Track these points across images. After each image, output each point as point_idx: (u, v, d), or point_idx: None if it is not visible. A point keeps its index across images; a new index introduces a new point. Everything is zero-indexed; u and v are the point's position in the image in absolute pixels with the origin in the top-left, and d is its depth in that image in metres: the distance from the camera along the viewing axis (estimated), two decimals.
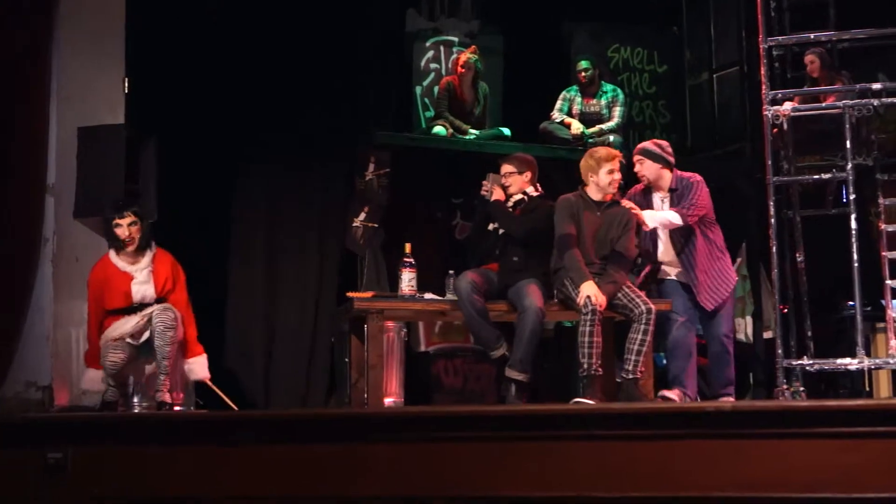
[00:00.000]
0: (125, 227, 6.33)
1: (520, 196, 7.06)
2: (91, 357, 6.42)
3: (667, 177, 7.38)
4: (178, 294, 6.49)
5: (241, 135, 8.57)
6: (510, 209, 7.01)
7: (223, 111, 8.45)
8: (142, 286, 6.39)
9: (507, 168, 7.07)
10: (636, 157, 7.48)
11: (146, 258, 6.43)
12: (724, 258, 7.43)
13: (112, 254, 6.42)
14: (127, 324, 6.32)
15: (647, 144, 7.63)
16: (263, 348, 8.53)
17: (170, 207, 7.24)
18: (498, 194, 7.05)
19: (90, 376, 6.42)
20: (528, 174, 7.09)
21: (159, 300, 6.39)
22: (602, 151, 7.11)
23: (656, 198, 7.40)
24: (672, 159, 7.50)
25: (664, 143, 7.63)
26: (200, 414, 6.12)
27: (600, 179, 6.94)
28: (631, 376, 6.57)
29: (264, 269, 8.60)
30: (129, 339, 6.29)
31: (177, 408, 6.41)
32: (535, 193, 7.10)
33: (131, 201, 6.54)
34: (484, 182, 7.17)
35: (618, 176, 6.98)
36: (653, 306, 6.64)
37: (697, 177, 7.46)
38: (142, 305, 6.38)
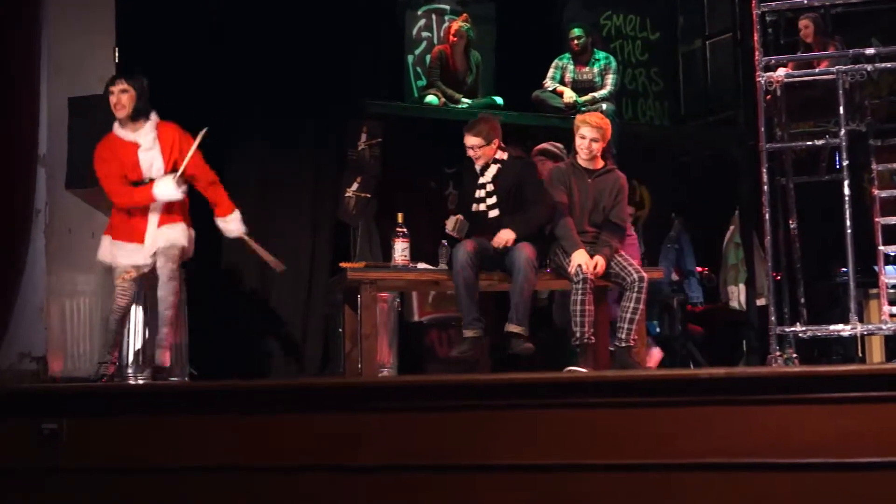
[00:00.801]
0: (116, 94, 6.26)
1: (495, 168, 6.87)
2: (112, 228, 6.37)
3: None
4: (193, 161, 6.39)
5: (231, 105, 8.53)
6: (491, 185, 6.85)
7: (213, 82, 8.42)
8: (148, 153, 6.29)
9: (474, 141, 6.82)
10: (536, 158, 7.56)
11: (148, 125, 6.33)
12: None
13: (116, 127, 6.33)
14: (136, 254, 6.28)
15: (545, 145, 7.74)
16: (257, 320, 8.53)
17: None
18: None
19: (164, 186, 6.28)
20: (496, 140, 6.86)
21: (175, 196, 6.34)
22: (580, 116, 7.08)
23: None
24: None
25: (559, 144, 7.79)
26: (196, 384, 6.12)
27: (576, 144, 6.92)
28: (624, 344, 6.58)
29: (259, 240, 8.58)
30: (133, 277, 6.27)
31: (172, 378, 6.41)
32: (504, 157, 6.89)
33: (126, 72, 6.50)
34: (447, 222, 6.96)
35: (588, 141, 6.83)
36: (645, 274, 6.64)
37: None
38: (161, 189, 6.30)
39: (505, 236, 6.61)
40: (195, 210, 6.55)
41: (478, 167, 6.86)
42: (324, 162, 9.00)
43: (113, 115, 6.31)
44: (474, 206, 6.89)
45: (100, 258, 6.35)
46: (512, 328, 6.58)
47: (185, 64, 8.21)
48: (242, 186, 8.64)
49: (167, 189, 6.25)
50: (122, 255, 6.28)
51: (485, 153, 6.83)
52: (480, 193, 6.86)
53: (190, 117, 8.12)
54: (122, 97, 6.25)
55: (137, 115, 6.29)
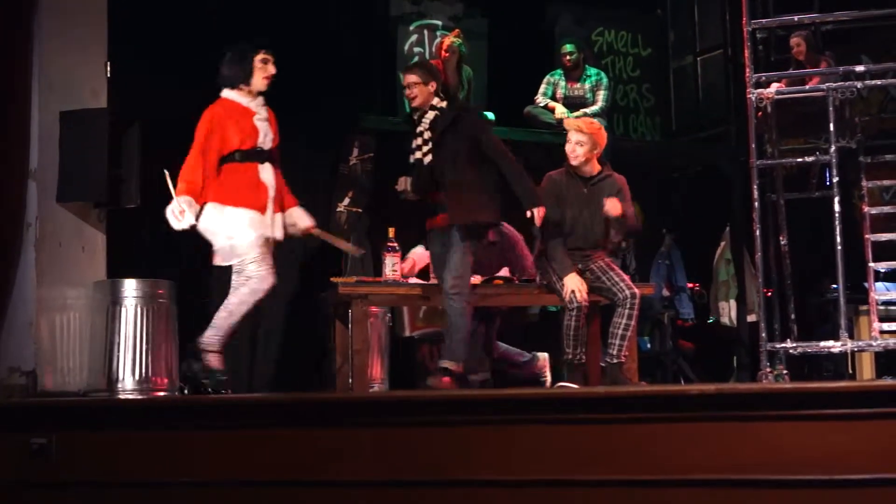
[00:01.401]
0: (267, 64, 6.32)
1: (432, 114, 6.64)
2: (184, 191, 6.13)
3: None
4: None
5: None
6: (428, 133, 6.62)
7: (206, 96, 8.42)
8: (263, 123, 6.29)
9: (410, 79, 6.65)
10: None
11: (260, 99, 6.34)
12: None
13: (227, 92, 6.28)
14: (262, 225, 6.15)
15: None
16: (247, 334, 8.50)
17: (152, 193, 7.20)
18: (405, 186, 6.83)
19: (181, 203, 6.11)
20: (433, 84, 6.66)
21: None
22: (567, 121, 7.12)
23: None
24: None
25: None
26: (184, 399, 6.11)
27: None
28: (615, 361, 6.58)
29: None
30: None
31: (160, 393, 6.40)
32: (442, 104, 6.68)
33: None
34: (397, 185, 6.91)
35: (573, 145, 6.82)
36: (637, 290, 6.64)
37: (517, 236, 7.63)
38: (263, 156, 6.24)
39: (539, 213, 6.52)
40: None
41: (416, 114, 6.70)
42: (316, 176, 8.99)
43: (105, 132, 6.32)
44: (412, 156, 6.75)
45: (241, 232, 6.10)
46: (443, 363, 6.46)
47: (177, 78, 8.21)
48: None
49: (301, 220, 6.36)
50: (255, 224, 6.13)
51: (421, 93, 6.62)
52: (417, 141, 6.70)
53: (183, 131, 8.16)
54: (270, 68, 6.30)
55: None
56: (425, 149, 6.63)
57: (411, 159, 6.73)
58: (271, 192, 6.22)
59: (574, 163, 6.84)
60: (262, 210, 6.16)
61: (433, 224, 6.65)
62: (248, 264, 6.11)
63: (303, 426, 4.53)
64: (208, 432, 4.60)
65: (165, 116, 7.89)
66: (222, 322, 6.12)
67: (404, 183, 6.77)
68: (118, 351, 6.49)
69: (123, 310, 6.50)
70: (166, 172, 6.24)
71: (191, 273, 7.75)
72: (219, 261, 6.22)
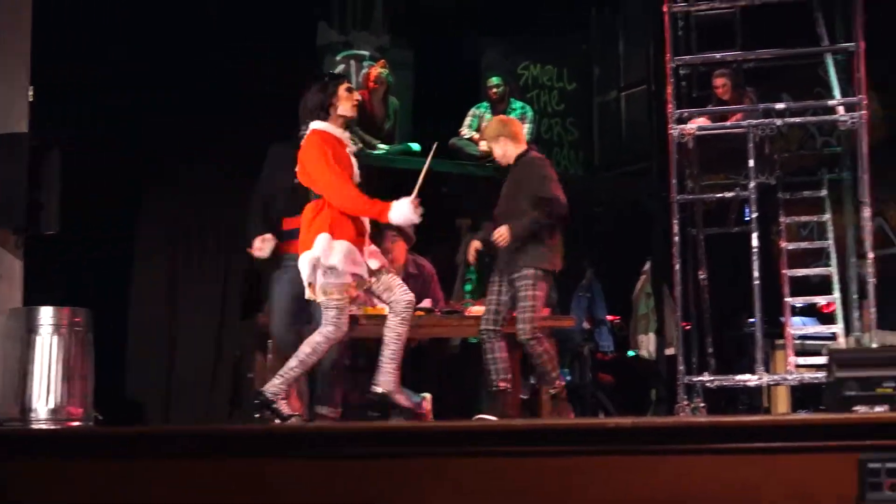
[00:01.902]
0: (352, 94, 6.13)
1: None
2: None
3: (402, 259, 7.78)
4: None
5: (146, 147, 8.47)
6: None
7: (129, 122, 8.36)
8: (352, 155, 6.13)
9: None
10: (389, 233, 7.65)
11: (347, 131, 6.21)
12: None
13: (318, 125, 6.03)
14: (358, 264, 5.88)
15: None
16: (166, 362, 8.42)
17: (72, 219, 7.11)
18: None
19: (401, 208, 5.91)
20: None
21: None
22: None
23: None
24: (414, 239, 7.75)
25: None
26: (101, 429, 6.02)
27: None
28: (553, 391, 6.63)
29: (167, 281, 8.51)
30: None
31: (75, 423, 6.29)
32: None
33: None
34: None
35: (498, 157, 6.93)
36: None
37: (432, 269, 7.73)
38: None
39: None
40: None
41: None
42: (238, 206, 8.92)
43: (25, 157, 6.23)
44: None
45: (332, 262, 5.79)
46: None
47: (99, 104, 8.14)
48: (154, 227, 8.59)
49: (405, 212, 5.94)
50: (355, 265, 5.89)
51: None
52: None
53: (103, 158, 8.09)
54: (355, 95, 6.16)
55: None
56: None
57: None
58: (367, 228, 6.08)
59: (505, 164, 6.92)
60: (361, 247, 5.96)
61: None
62: (332, 308, 5.87)
63: (222, 457, 4.47)
64: (125, 463, 4.53)
65: (88, 142, 7.84)
66: (291, 373, 5.86)
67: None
68: (32, 380, 6.37)
69: (39, 338, 6.39)
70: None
71: (109, 301, 7.67)
72: (310, 295, 5.95)
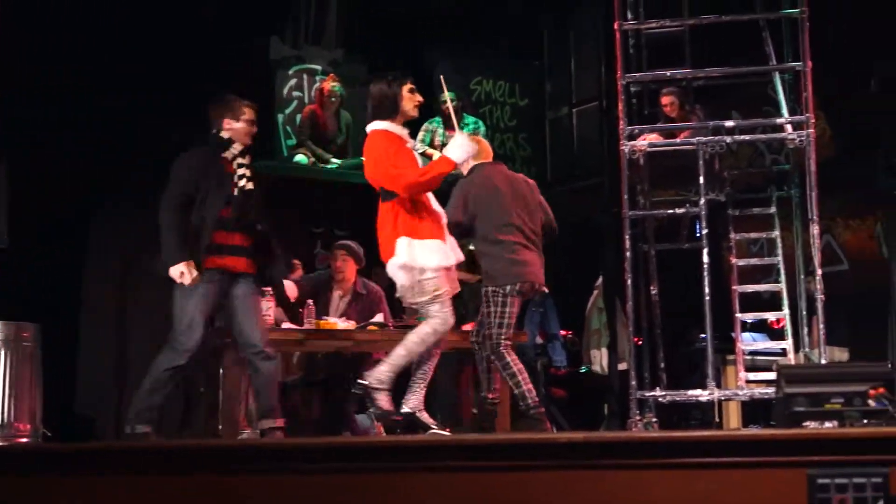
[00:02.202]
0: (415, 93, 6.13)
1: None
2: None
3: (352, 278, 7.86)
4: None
5: (97, 161, 8.41)
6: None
7: (79, 135, 8.30)
8: (415, 152, 6.16)
9: None
10: (341, 252, 7.77)
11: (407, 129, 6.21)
12: None
13: (380, 124, 6.03)
14: (446, 255, 5.95)
15: (352, 243, 7.94)
16: (115, 376, 8.35)
17: (21, 233, 7.06)
18: None
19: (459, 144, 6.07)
20: None
21: None
22: None
23: (335, 295, 7.77)
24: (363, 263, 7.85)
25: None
26: (48, 446, 5.95)
27: None
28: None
29: (118, 294, 8.44)
30: None
31: (22, 439, 6.23)
32: None
33: None
34: None
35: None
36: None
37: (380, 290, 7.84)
38: None
39: None
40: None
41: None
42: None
43: None
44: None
45: (420, 262, 5.84)
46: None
47: (50, 116, 8.08)
48: (105, 241, 8.52)
49: (463, 145, 6.07)
50: (442, 256, 5.93)
51: None
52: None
53: (54, 170, 8.03)
54: (417, 95, 6.14)
55: None
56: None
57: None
58: (444, 220, 6.10)
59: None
60: (444, 239, 6.00)
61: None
62: (434, 304, 5.88)
63: (171, 473, 4.43)
64: (71, 479, 4.48)
65: (39, 160, 7.78)
66: (399, 360, 5.88)
67: None
68: None
69: None
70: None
71: (59, 316, 7.60)
72: (409, 299, 5.97)
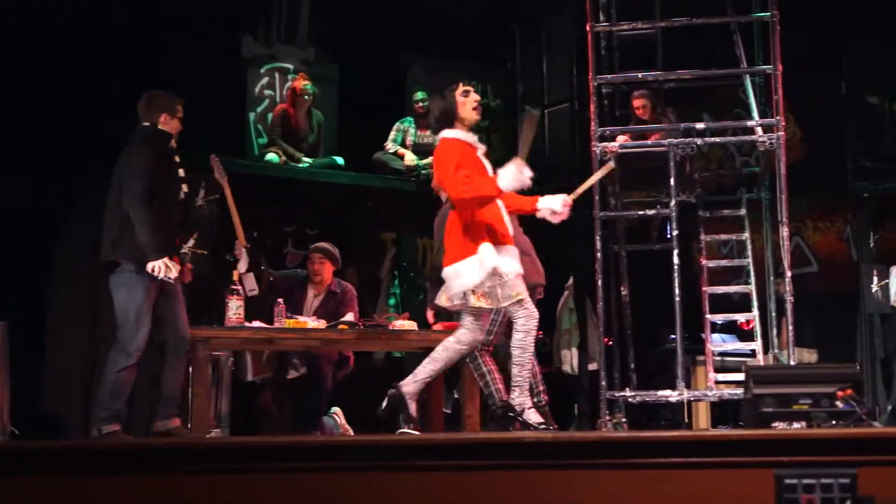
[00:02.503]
0: (473, 91, 6.21)
1: None
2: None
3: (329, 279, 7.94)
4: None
5: (65, 158, 8.36)
6: None
7: (49, 129, 8.25)
8: (484, 157, 6.21)
9: None
10: (318, 255, 7.87)
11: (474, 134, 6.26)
12: None
13: (448, 132, 6.09)
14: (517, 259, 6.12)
15: (329, 245, 7.98)
16: (84, 374, 8.30)
17: None
18: None
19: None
20: None
21: None
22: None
23: (310, 294, 7.86)
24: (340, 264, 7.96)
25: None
26: (16, 444, 5.92)
27: None
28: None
29: (89, 292, 8.38)
30: None
31: None
32: None
33: None
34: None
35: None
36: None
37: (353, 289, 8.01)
38: None
39: None
40: None
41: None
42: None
43: None
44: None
45: (517, 270, 6.00)
46: None
47: (15, 112, 8.03)
48: (77, 238, 8.46)
49: (553, 205, 6.29)
50: (517, 260, 6.08)
51: None
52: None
53: (22, 166, 7.98)
54: (473, 96, 6.21)
55: None
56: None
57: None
58: (511, 228, 6.21)
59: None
60: (513, 244, 6.12)
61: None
62: (520, 306, 6.00)
63: (140, 472, 4.41)
64: (41, 478, 4.45)
65: (5, 152, 7.73)
66: (524, 359, 6.07)
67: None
68: None
69: None
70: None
71: (26, 313, 7.55)
72: (488, 304, 6.01)
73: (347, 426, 7.96)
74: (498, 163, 11.31)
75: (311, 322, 7.26)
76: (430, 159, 9.75)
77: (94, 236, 8.50)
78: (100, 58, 8.51)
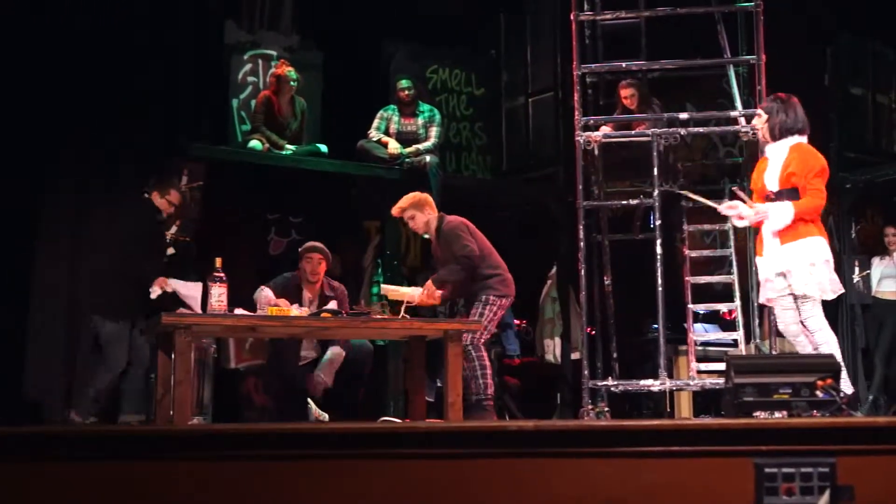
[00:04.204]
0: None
1: None
2: None
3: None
4: None
5: (49, 142, 8.32)
6: None
7: (31, 117, 8.20)
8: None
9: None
10: (316, 255, 7.88)
11: None
12: None
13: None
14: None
15: (321, 244, 7.99)
16: (66, 360, 8.27)
17: None
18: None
19: None
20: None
21: None
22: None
23: (306, 298, 7.80)
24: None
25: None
26: (15, 429, 5.89)
27: None
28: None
29: (69, 278, 8.35)
30: None
31: None
32: None
33: None
34: None
35: (412, 227, 7.46)
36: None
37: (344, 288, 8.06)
38: None
39: None
40: None
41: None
42: (142, 203, 8.80)
43: None
44: None
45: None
46: None
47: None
48: (56, 225, 8.43)
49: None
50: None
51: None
52: None
53: (3, 151, 7.94)
54: None
55: None
56: None
57: None
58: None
59: (421, 234, 7.51)
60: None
61: None
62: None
63: (121, 459, 4.40)
64: (20, 464, 4.44)
65: None
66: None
67: None
68: None
69: None
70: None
71: (8, 298, 7.53)
72: (829, 295, 6.31)
73: (321, 413, 7.95)
74: (481, 149, 11.37)
75: (295, 309, 7.24)
76: (413, 148, 9.76)
77: (75, 223, 8.50)
78: (82, 43, 8.46)
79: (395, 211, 7.42)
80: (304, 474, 4.21)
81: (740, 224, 6.84)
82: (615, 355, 9.16)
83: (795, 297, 6.24)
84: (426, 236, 7.62)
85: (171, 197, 7.59)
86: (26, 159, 8.21)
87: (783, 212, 6.18)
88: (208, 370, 8.04)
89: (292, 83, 9.59)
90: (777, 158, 6.35)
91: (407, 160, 9.59)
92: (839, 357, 5.84)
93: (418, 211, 7.31)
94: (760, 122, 6.48)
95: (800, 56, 9.84)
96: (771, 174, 6.34)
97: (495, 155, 11.43)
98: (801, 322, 6.23)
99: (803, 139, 6.38)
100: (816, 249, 6.17)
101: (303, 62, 10.02)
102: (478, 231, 7.46)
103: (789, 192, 6.24)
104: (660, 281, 8.14)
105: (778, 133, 6.34)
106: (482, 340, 7.15)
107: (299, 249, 7.97)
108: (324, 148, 9.72)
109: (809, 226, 6.19)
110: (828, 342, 6.13)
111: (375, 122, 9.98)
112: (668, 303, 8.20)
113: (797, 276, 6.15)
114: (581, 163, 8.45)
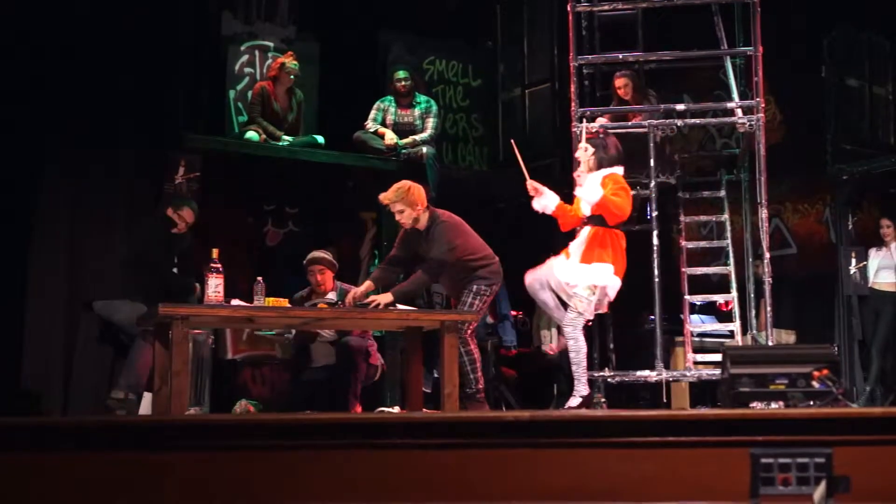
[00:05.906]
0: None
1: None
2: None
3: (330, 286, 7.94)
4: None
5: (46, 134, 8.31)
6: None
7: (28, 108, 8.19)
8: None
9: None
10: (318, 267, 7.91)
11: None
12: None
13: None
14: None
15: (323, 253, 8.02)
16: (64, 352, 8.27)
17: None
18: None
19: None
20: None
21: None
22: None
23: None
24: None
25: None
26: (12, 420, 5.90)
27: None
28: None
29: (67, 269, 8.35)
30: None
31: None
32: None
33: None
34: None
35: (397, 217, 7.25)
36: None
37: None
38: None
39: None
40: None
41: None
42: (139, 193, 8.81)
43: None
44: None
45: None
46: None
47: None
48: (54, 214, 8.43)
49: None
50: None
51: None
52: None
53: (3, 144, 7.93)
54: None
55: None
56: None
57: None
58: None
59: (407, 228, 7.24)
60: None
61: None
62: None
63: (120, 449, 4.41)
64: (17, 454, 4.44)
65: None
66: None
67: None
68: None
69: None
70: None
71: (5, 289, 7.53)
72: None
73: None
74: (478, 140, 11.37)
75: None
76: (410, 139, 9.76)
77: (72, 215, 8.50)
78: (80, 36, 8.45)
79: (382, 198, 7.22)
80: (302, 463, 4.22)
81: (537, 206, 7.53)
82: (612, 346, 9.17)
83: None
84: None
85: (184, 213, 7.54)
86: (22, 149, 8.20)
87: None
88: (206, 361, 8.05)
89: (292, 76, 9.59)
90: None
91: (403, 151, 9.59)
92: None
93: (408, 207, 7.13)
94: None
95: (796, 47, 9.83)
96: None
97: (491, 146, 11.43)
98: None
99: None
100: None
101: (299, 53, 10.01)
102: (465, 224, 7.47)
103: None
104: (656, 272, 8.15)
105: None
106: (469, 332, 7.13)
107: (304, 262, 7.97)
108: (320, 139, 9.72)
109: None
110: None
111: (372, 114, 9.97)
112: (664, 294, 8.21)
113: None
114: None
